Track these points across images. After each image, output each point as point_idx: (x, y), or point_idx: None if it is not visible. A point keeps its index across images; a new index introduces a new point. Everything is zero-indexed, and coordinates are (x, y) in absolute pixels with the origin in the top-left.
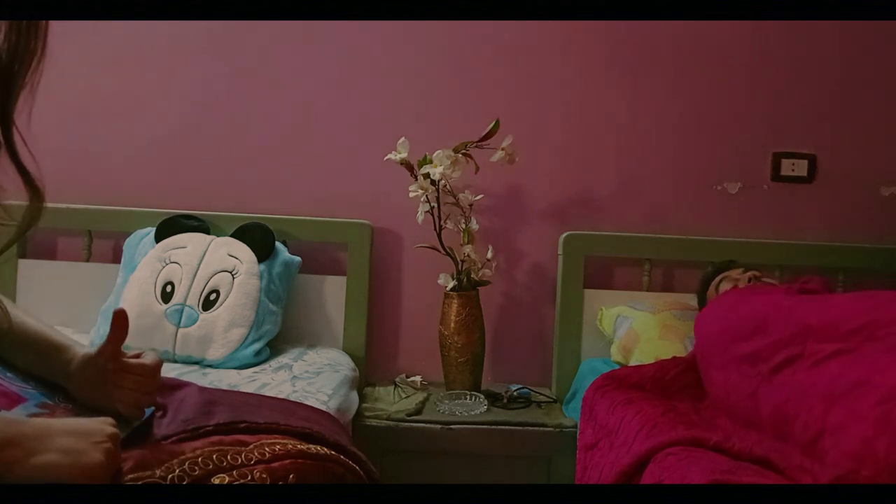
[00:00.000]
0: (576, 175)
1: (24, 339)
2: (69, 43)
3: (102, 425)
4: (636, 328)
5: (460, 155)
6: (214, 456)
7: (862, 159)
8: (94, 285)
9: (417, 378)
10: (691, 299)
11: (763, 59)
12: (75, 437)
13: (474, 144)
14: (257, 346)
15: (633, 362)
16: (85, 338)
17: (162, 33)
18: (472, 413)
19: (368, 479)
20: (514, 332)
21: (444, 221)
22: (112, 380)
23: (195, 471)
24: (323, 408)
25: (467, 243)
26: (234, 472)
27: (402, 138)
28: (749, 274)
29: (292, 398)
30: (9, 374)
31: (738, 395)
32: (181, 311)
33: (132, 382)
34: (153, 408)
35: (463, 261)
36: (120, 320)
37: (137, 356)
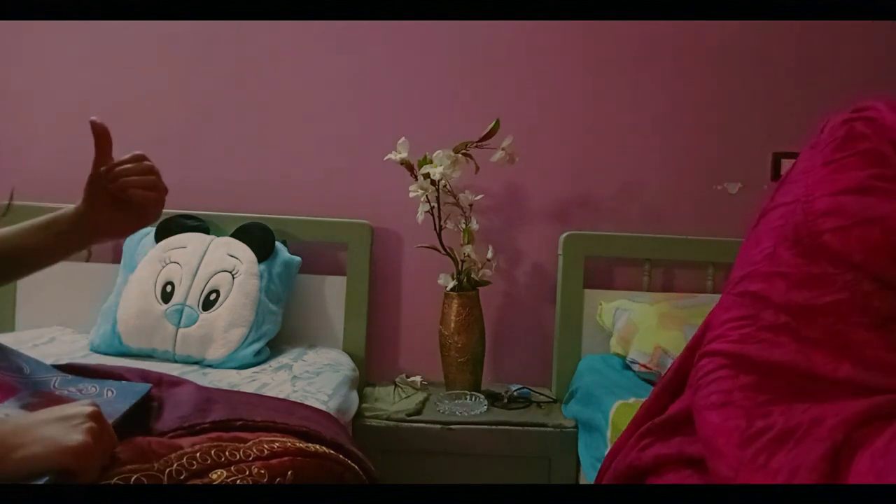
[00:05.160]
0: (576, 175)
1: (19, 231)
2: (69, 43)
3: (80, 407)
4: (634, 319)
5: (460, 155)
6: (213, 451)
7: None
8: (94, 285)
9: (417, 378)
10: (692, 297)
11: (763, 59)
12: (54, 425)
13: (474, 144)
14: (257, 346)
15: (631, 352)
16: (85, 338)
17: (162, 33)
18: (472, 413)
19: (367, 479)
20: (514, 332)
21: (444, 221)
22: (114, 189)
23: (193, 465)
24: (323, 408)
25: (467, 243)
26: (233, 468)
27: (402, 138)
28: None
29: (292, 398)
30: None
31: None
32: (181, 311)
33: (133, 181)
34: (149, 386)
35: (463, 261)
36: (98, 130)
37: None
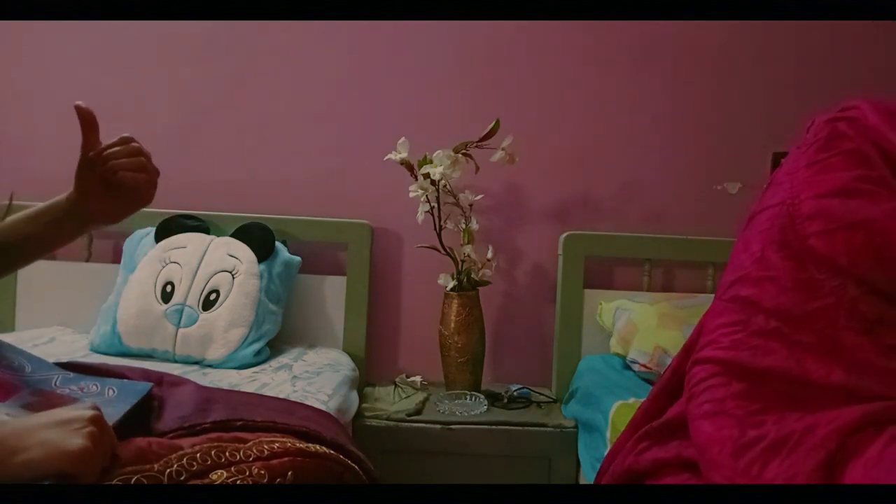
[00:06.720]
0: (576, 175)
1: (14, 221)
2: (69, 43)
3: (81, 410)
4: (634, 319)
5: (460, 155)
6: (213, 452)
7: None
8: (94, 285)
9: (417, 378)
10: (691, 297)
11: (762, 59)
12: (55, 429)
13: (474, 144)
14: (257, 346)
15: (631, 351)
16: (85, 338)
17: (162, 33)
18: (472, 413)
19: (367, 479)
20: (514, 332)
21: (444, 221)
22: (104, 173)
23: (193, 466)
24: (323, 408)
25: (467, 243)
26: (233, 468)
27: (402, 138)
28: None
29: (292, 398)
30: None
31: None
32: (181, 311)
33: (122, 164)
34: (151, 385)
35: (463, 261)
36: (84, 114)
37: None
